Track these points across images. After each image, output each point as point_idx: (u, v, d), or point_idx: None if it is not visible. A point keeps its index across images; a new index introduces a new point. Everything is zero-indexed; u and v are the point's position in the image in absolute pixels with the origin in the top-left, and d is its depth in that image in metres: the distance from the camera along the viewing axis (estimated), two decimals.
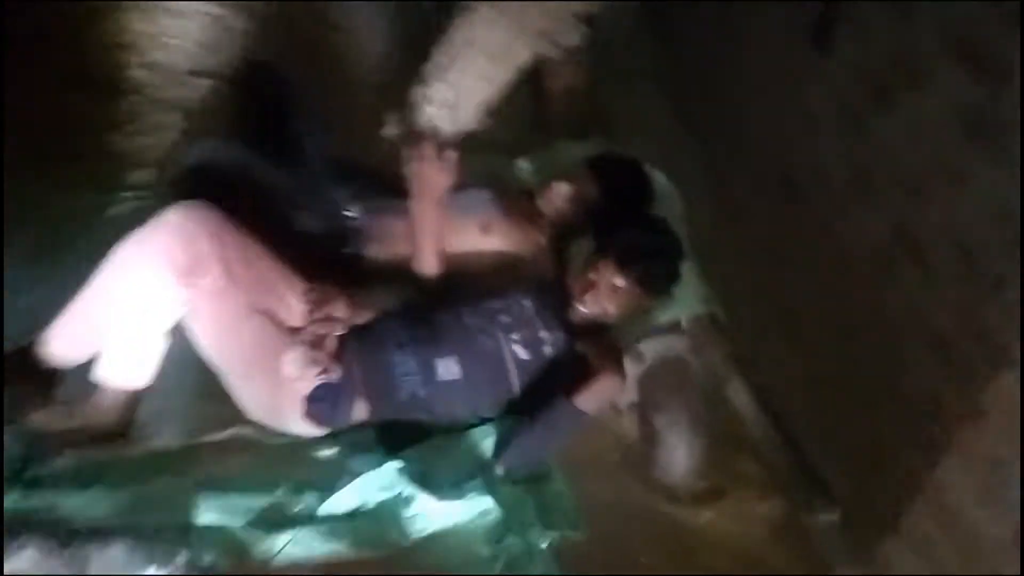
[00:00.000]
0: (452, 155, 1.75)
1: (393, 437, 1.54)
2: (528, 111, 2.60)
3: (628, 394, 1.66)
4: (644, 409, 1.67)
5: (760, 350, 1.71)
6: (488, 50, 2.41)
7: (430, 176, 1.75)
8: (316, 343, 1.53)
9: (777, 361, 1.68)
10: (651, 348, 1.73)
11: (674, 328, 1.76)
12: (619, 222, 1.80)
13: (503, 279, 1.89)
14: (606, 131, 2.42)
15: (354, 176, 2.20)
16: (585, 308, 1.66)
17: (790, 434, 1.58)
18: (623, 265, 1.64)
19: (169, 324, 1.43)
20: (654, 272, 1.67)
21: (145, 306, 1.39)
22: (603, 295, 1.65)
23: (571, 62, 2.44)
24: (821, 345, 1.68)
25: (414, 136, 2.42)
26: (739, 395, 1.62)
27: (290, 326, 1.53)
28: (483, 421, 1.61)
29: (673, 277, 1.71)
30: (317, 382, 1.48)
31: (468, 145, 2.49)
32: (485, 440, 1.57)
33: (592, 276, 1.67)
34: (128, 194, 2.11)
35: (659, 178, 2.01)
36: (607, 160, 1.98)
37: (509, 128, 2.54)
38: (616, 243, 1.69)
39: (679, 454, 1.59)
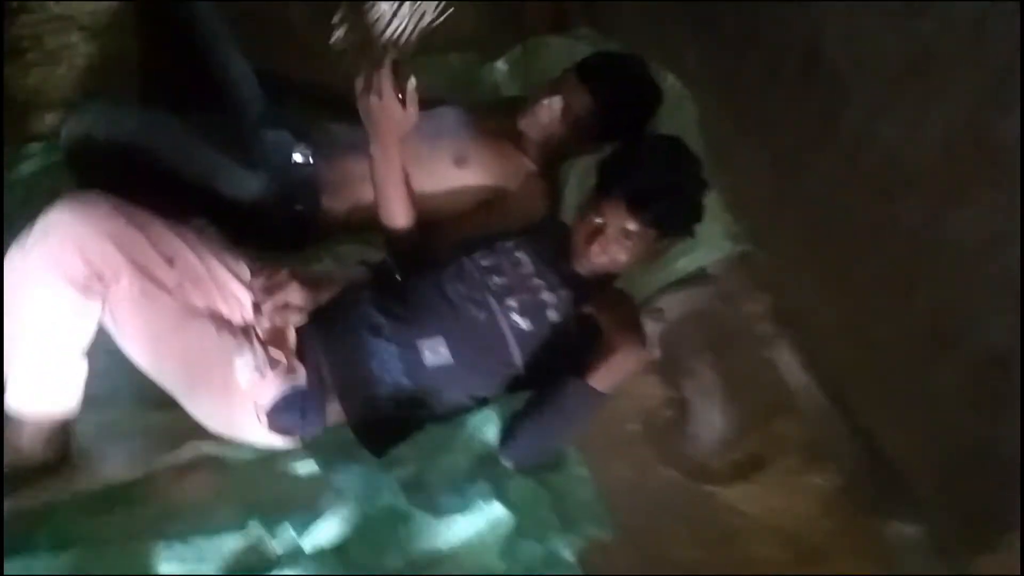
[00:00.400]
0: (412, 84, 1.42)
1: (378, 436, 1.32)
2: None
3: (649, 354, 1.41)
4: (668, 372, 1.43)
5: (801, 296, 1.44)
6: None
7: (389, 114, 1.42)
8: (271, 340, 1.28)
9: (822, 310, 1.42)
10: (673, 301, 1.47)
11: (699, 276, 1.49)
12: (625, 145, 1.51)
13: (487, 221, 1.61)
14: (590, 17, 2.03)
15: (296, 101, 1.86)
16: (591, 259, 1.40)
17: (848, 405, 1.34)
18: (635, 206, 1.36)
19: (84, 341, 1.16)
20: (672, 211, 1.39)
21: (49, 326, 1.11)
22: (611, 242, 1.38)
23: None
24: (873, 291, 1.40)
25: (368, 51, 2.05)
26: (781, 353, 1.38)
27: (238, 323, 1.27)
28: (482, 402, 1.38)
29: (695, 214, 1.43)
30: (278, 390, 1.24)
31: (430, 43, 2.15)
32: (486, 427, 1.35)
33: (597, 220, 1.39)
34: (36, 145, 1.78)
35: (669, 81, 1.67)
36: (604, 62, 1.63)
37: (480, 20, 2.15)
38: (624, 179, 1.40)
39: (712, 424, 1.37)
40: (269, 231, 1.56)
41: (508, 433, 1.33)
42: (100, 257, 1.09)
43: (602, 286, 1.44)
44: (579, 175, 1.70)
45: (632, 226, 1.37)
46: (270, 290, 1.29)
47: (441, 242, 1.55)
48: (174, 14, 1.56)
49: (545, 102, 1.62)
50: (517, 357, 1.35)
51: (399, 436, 1.32)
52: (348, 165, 1.60)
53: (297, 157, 1.59)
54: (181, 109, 1.50)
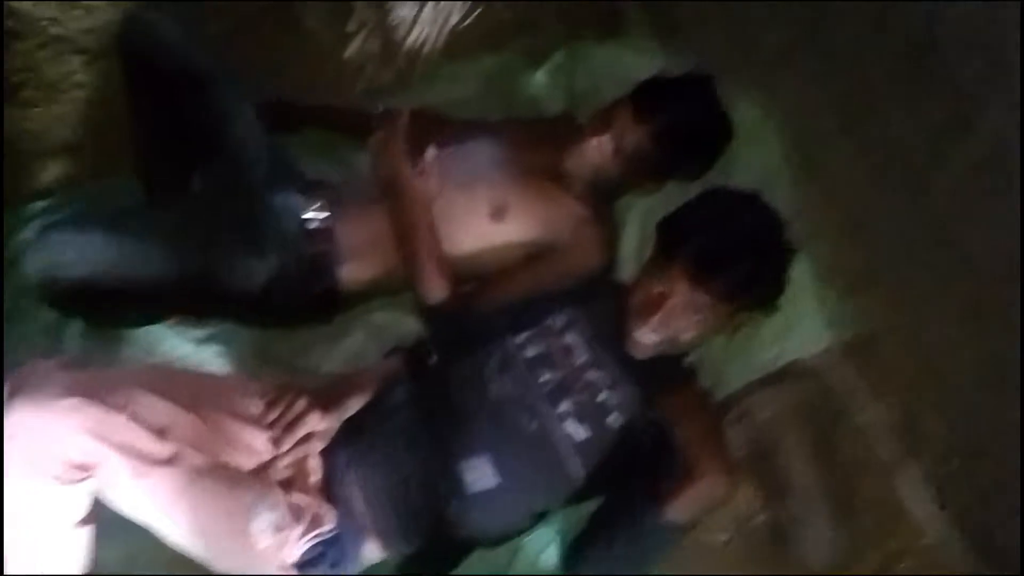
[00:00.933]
0: (432, 155, 1.18)
1: (422, 565, 1.17)
2: None
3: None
4: (763, 477, 1.21)
5: (939, 404, 1.15)
6: None
7: (408, 185, 1.20)
8: (294, 481, 1.12)
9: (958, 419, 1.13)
10: (762, 401, 1.23)
11: (793, 371, 1.24)
12: (692, 201, 1.25)
13: (536, 281, 1.38)
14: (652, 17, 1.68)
15: (311, 126, 1.64)
16: (648, 335, 1.18)
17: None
18: (703, 274, 1.13)
19: (78, 517, 1.02)
20: (749, 280, 1.14)
21: (36, 511, 0.98)
22: (674, 317, 1.16)
23: None
24: None
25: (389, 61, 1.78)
26: (906, 479, 1.11)
27: (253, 472, 1.10)
28: (540, 516, 1.21)
29: (777, 284, 1.18)
30: (305, 544, 1.08)
31: (458, 45, 1.87)
32: (546, 551, 1.18)
33: (658, 289, 1.17)
34: (38, 205, 1.62)
35: (750, 109, 1.37)
36: (662, 91, 1.35)
37: (517, 18, 1.85)
38: (689, 241, 1.16)
39: (822, 538, 1.15)
40: (289, 312, 1.39)
41: (571, 563, 1.16)
42: (78, 452, 0.94)
43: (673, 375, 1.22)
44: (639, 217, 1.45)
45: (700, 298, 1.14)
46: (289, 426, 1.12)
47: (484, 308, 1.35)
48: (160, 66, 1.35)
49: (594, 142, 1.36)
50: (576, 470, 1.16)
51: (446, 568, 1.17)
52: (373, 219, 1.39)
53: (310, 217, 1.39)
54: (174, 187, 1.30)
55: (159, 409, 1.04)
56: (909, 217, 1.19)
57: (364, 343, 1.42)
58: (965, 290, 1.14)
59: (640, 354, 1.20)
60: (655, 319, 1.17)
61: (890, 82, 1.35)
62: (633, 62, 1.51)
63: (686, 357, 1.26)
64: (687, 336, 1.18)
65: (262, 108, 1.60)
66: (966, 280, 1.19)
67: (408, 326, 1.44)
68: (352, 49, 1.83)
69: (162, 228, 1.25)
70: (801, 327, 1.23)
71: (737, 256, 1.14)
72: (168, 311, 1.30)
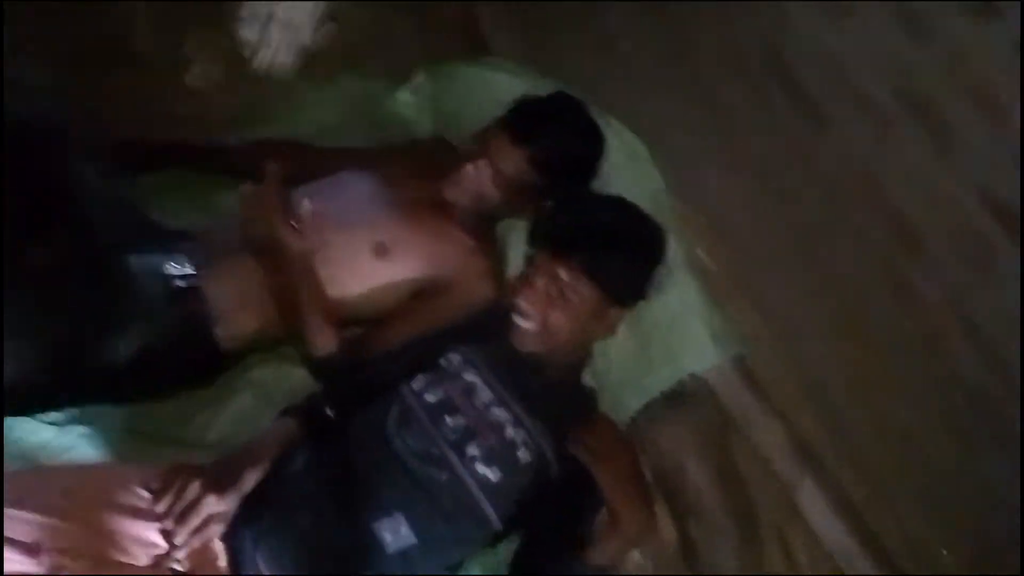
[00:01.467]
0: (307, 208, 1.12)
1: None
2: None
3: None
4: (671, 503, 1.25)
5: (827, 415, 1.23)
6: None
7: (285, 245, 1.13)
8: (195, 571, 1.03)
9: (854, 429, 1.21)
10: (661, 422, 1.27)
11: (689, 390, 1.28)
12: (558, 200, 1.29)
13: (425, 319, 1.35)
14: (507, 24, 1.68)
15: (164, 168, 1.51)
16: (523, 322, 1.19)
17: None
18: (562, 249, 1.17)
19: None
20: (608, 258, 1.19)
21: None
22: (544, 298, 1.18)
23: None
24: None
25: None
26: (804, 494, 1.19)
27: (148, 568, 1.01)
28: (457, 567, 1.19)
29: (641, 267, 1.24)
30: None
31: (315, 66, 1.77)
32: None
33: (527, 273, 1.20)
34: None
35: (619, 133, 1.40)
36: (536, 113, 1.34)
37: (373, 31, 1.77)
38: (552, 226, 1.22)
39: (730, 555, 1.21)
40: (164, 381, 1.27)
41: None
42: None
43: (576, 404, 1.23)
44: (522, 239, 1.43)
45: (563, 274, 1.17)
46: (183, 515, 1.03)
47: (375, 353, 1.31)
48: None
49: (472, 168, 1.34)
50: (491, 514, 1.15)
51: None
52: (244, 269, 1.30)
53: (173, 272, 1.27)
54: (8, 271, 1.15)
55: (27, 523, 0.93)
56: (779, 231, 1.27)
57: (251, 404, 1.33)
58: (833, 304, 1.22)
59: (525, 348, 1.21)
60: (524, 301, 1.19)
61: (749, 99, 1.43)
62: (498, 83, 1.50)
63: (580, 375, 1.28)
64: (561, 322, 1.18)
65: (101, 152, 1.46)
66: (832, 296, 1.29)
67: (295, 379, 1.37)
68: (193, 75, 1.71)
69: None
70: (689, 344, 1.28)
71: (595, 233, 1.19)
72: (24, 406, 1.15)
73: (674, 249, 1.30)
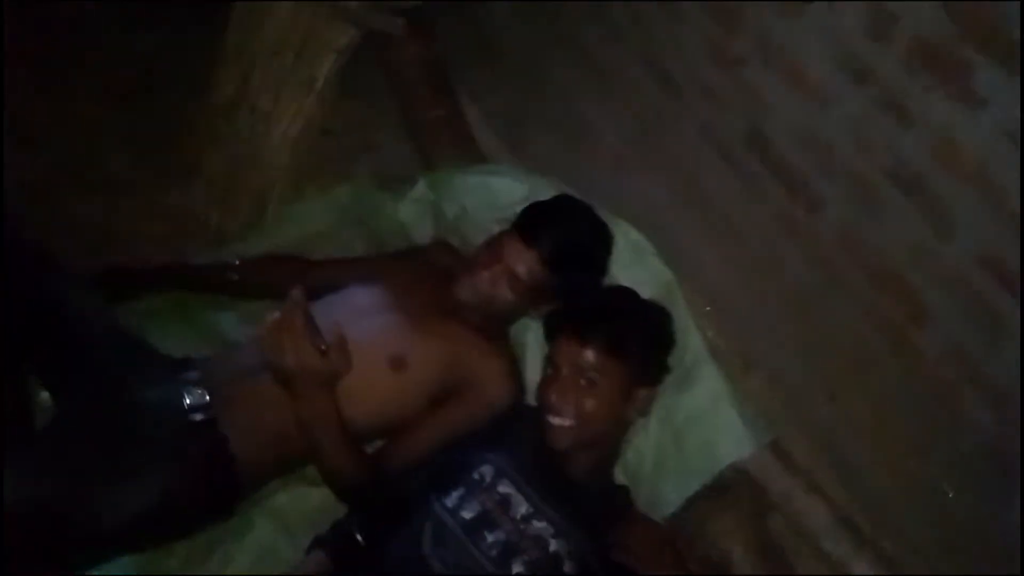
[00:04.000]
0: (336, 332, 1.10)
1: None
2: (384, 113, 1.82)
3: None
4: None
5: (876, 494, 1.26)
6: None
7: (312, 372, 1.10)
8: None
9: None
10: (706, 516, 1.25)
11: (729, 481, 1.27)
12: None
13: (448, 430, 1.31)
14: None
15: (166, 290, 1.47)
16: (555, 419, 1.19)
17: None
18: (585, 333, 1.19)
19: None
20: (629, 334, 1.22)
21: None
22: (573, 388, 1.19)
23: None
24: None
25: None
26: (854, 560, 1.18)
27: None
28: None
29: (659, 342, 1.28)
30: None
31: (315, 176, 1.76)
32: None
33: (550, 370, 1.22)
34: None
35: (625, 232, 1.43)
36: (547, 218, 1.36)
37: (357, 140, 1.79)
38: (570, 315, 1.25)
39: None
40: (186, 521, 1.21)
41: None
42: None
43: (612, 504, 1.21)
44: (538, 338, 1.43)
45: (589, 355, 1.18)
46: None
47: (398, 468, 1.27)
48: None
49: (486, 273, 1.34)
50: None
51: None
52: (257, 393, 1.25)
53: (191, 406, 1.22)
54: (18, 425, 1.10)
55: None
56: (773, 300, 1.31)
57: (271, 535, 1.27)
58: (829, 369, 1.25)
59: (561, 445, 1.19)
60: (554, 396, 1.19)
61: (734, 179, 1.48)
62: (499, 188, 1.54)
63: (612, 473, 1.26)
64: (593, 409, 1.18)
65: (93, 282, 1.41)
66: (833, 357, 1.32)
67: (312, 502, 1.32)
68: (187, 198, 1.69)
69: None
70: (725, 434, 1.29)
71: (613, 312, 1.25)
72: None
73: (697, 341, 1.32)
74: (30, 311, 1.17)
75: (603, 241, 1.39)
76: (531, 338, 1.44)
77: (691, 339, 1.35)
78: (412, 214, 1.61)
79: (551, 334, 1.26)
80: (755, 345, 1.44)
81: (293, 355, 1.10)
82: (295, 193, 1.70)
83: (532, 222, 1.35)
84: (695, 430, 1.28)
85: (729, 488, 1.26)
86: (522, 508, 1.17)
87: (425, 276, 1.44)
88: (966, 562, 1.23)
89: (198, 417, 1.21)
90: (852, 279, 1.32)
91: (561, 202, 1.41)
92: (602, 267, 1.39)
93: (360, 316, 1.34)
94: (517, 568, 1.12)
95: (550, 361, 1.24)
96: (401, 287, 1.41)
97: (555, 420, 1.19)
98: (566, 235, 1.34)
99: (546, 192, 1.44)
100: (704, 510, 1.26)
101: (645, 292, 1.30)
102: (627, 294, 1.33)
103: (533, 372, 1.40)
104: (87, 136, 1.77)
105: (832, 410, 1.34)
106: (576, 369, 1.19)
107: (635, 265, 1.41)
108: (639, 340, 1.23)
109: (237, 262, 1.51)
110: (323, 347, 1.12)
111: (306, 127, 1.71)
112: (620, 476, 1.30)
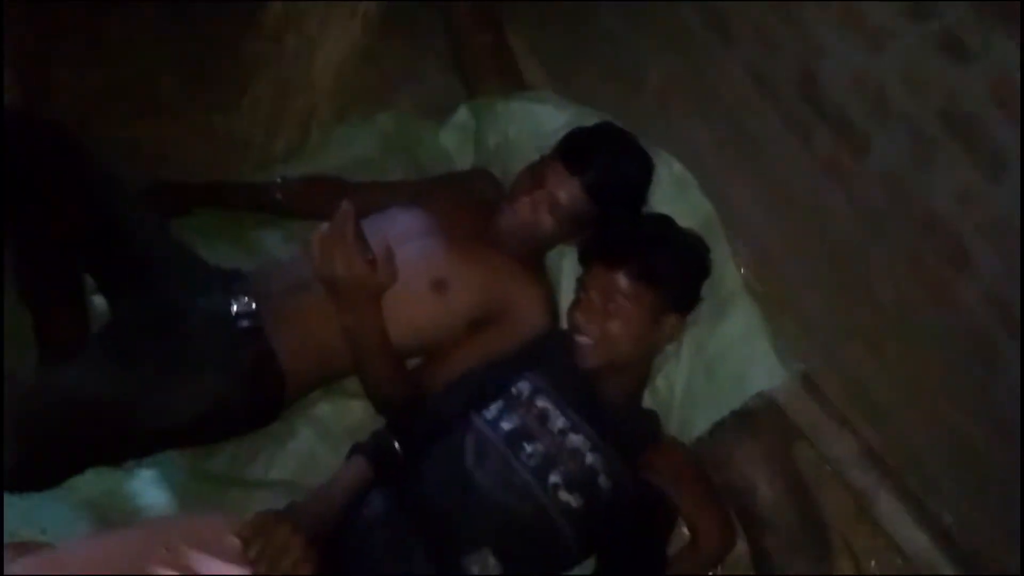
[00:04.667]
0: (388, 247, 1.13)
1: None
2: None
3: None
4: (744, 522, 1.26)
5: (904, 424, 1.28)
6: None
7: (360, 283, 1.13)
8: None
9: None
10: (733, 443, 1.28)
11: (757, 410, 1.30)
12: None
13: (484, 349, 1.35)
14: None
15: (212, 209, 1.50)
16: (583, 338, 1.22)
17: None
18: (615, 258, 1.21)
19: None
20: (661, 260, 1.23)
21: None
22: (600, 310, 1.21)
23: None
24: None
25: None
26: (882, 504, 1.21)
27: None
28: None
29: (692, 270, 1.28)
30: None
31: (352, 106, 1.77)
32: None
33: (580, 294, 1.24)
34: None
35: (668, 163, 1.43)
36: (591, 144, 1.36)
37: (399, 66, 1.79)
38: (601, 240, 1.26)
39: (804, 568, 1.22)
40: (234, 425, 1.26)
41: None
42: None
43: (644, 429, 1.24)
44: (573, 265, 1.45)
45: (620, 281, 1.20)
46: (275, 557, 1.01)
47: (437, 385, 1.31)
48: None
49: (528, 199, 1.35)
50: (574, 543, 1.15)
51: None
52: (302, 306, 1.29)
53: (239, 313, 1.27)
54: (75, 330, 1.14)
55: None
56: (815, 250, 1.31)
57: (313, 443, 1.32)
58: (872, 315, 1.25)
59: (586, 364, 1.23)
60: (580, 316, 1.22)
61: (783, 126, 1.47)
62: (540, 115, 1.53)
63: (641, 398, 1.29)
64: (619, 331, 1.20)
65: (145, 196, 1.45)
66: (865, 305, 1.33)
67: (354, 413, 1.37)
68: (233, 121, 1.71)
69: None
70: (756, 363, 1.31)
71: (647, 240, 1.25)
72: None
73: (734, 275, 1.33)
74: (86, 215, 1.20)
75: (645, 170, 1.39)
76: (566, 264, 1.46)
77: (728, 273, 1.36)
78: (454, 141, 1.62)
79: (585, 258, 1.28)
80: (792, 290, 1.45)
81: (342, 264, 1.13)
82: (338, 120, 1.72)
83: (575, 148, 1.34)
84: (727, 360, 1.30)
85: (756, 416, 1.28)
86: (559, 422, 1.21)
87: (466, 203, 1.46)
88: (988, 506, 1.25)
89: (244, 324, 1.25)
90: (895, 225, 1.33)
91: (605, 129, 1.41)
92: (642, 197, 1.40)
93: (403, 238, 1.37)
94: (554, 479, 1.16)
95: (581, 284, 1.26)
96: (443, 212, 1.43)
97: (581, 339, 1.22)
98: (610, 164, 1.34)
99: (589, 120, 1.43)
100: (731, 437, 1.29)
101: (685, 224, 1.30)
102: (663, 222, 1.33)
103: (568, 297, 1.42)
104: (137, 60, 1.79)
105: (867, 354, 1.35)
106: (605, 293, 1.21)
107: (677, 197, 1.41)
108: (671, 267, 1.24)
109: (283, 182, 1.54)
110: (371, 257, 1.14)
111: (351, 53, 1.71)
112: (650, 402, 1.32)
